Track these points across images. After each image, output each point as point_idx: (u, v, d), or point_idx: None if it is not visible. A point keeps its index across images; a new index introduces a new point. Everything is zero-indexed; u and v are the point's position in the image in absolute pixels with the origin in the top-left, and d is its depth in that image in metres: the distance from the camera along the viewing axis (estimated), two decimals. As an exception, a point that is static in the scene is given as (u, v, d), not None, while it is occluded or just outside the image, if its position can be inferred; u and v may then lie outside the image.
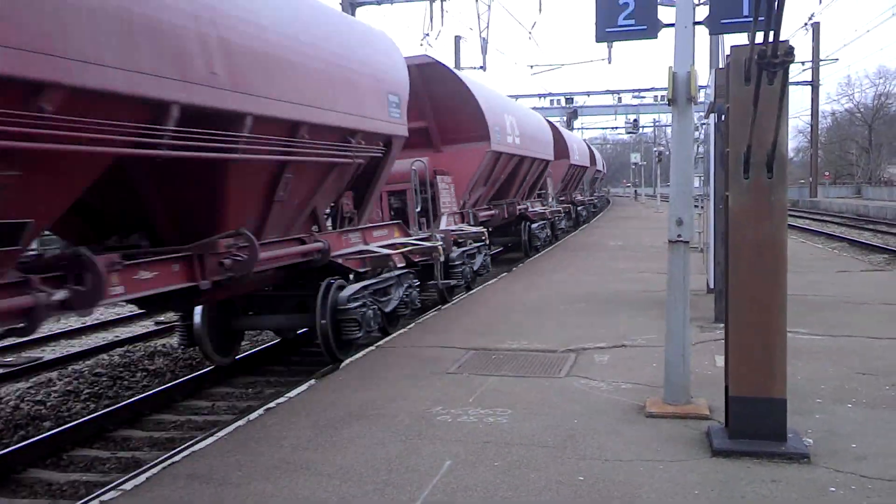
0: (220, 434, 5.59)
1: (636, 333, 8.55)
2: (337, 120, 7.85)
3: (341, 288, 8.38)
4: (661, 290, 9.87)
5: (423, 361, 7.57)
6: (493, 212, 17.00)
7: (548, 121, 25.14)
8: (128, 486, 4.63)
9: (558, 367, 7.17)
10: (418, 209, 12.22)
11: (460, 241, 12.89)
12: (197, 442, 5.55)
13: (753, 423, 4.80)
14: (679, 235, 5.60)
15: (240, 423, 5.85)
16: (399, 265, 9.57)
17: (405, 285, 9.88)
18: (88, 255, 5.17)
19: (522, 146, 17.19)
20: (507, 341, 8.38)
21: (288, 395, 6.59)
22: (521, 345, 8.19)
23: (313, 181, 7.92)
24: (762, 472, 4.46)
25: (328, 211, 9.14)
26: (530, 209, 19.91)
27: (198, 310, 8.32)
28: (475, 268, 13.64)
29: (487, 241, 14.34)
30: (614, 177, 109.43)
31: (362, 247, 9.19)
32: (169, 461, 5.04)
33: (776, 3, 3.87)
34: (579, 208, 33.33)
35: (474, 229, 13.66)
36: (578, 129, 59.74)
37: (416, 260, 10.49)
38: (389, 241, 10.02)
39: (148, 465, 5.23)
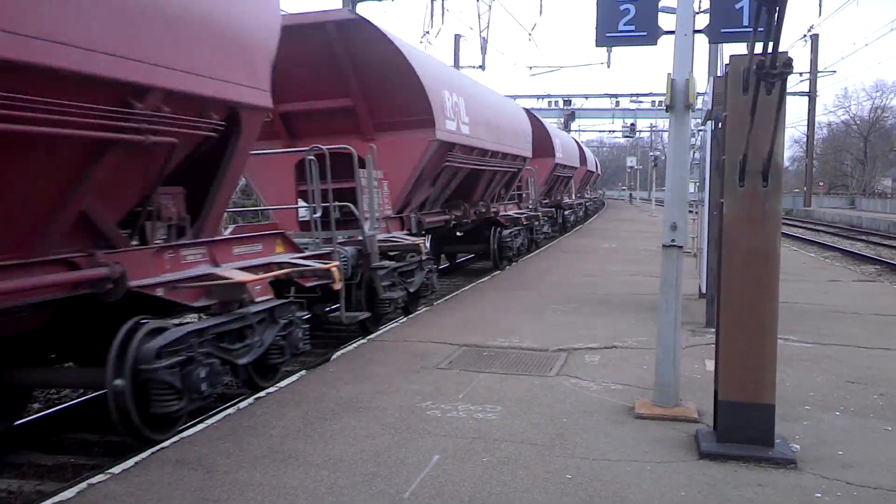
0: (210, 421, 5.61)
1: (627, 335, 8.60)
2: (98, 67, 4.63)
3: (158, 332, 5.37)
4: (652, 294, 9.92)
5: (414, 356, 7.59)
6: (447, 217, 13.82)
7: (529, 112, 21.70)
8: (116, 469, 4.65)
9: (549, 365, 7.21)
10: (314, 212, 8.64)
11: (392, 253, 10.26)
12: (186, 429, 5.57)
13: (742, 427, 4.84)
14: (673, 240, 5.64)
15: (229, 411, 5.87)
16: (259, 298, 6.48)
17: (281, 322, 6.80)
18: None
19: (485, 137, 14.00)
20: (499, 339, 8.41)
21: (278, 384, 6.62)
22: (511, 343, 8.22)
23: (60, 167, 4.77)
24: (749, 476, 4.50)
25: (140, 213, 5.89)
26: (501, 213, 17.13)
27: None
28: (412, 289, 10.38)
29: (429, 255, 11.22)
30: (610, 180, 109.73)
31: (205, 269, 6.15)
32: (158, 446, 5.06)
33: (776, 15, 3.90)
34: (566, 212, 30.69)
35: (410, 240, 10.55)
36: (576, 130, 59.77)
37: (308, 285, 7.60)
38: (262, 261, 6.96)
39: (137, 450, 5.24)
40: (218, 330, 5.93)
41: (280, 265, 7.09)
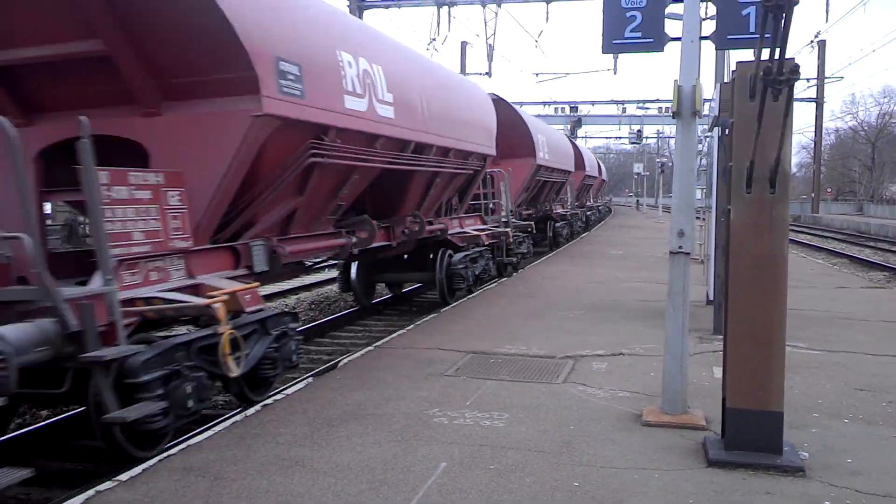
0: (217, 428, 5.61)
1: (635, 342, 8.57)
2: (464, 146, 12.06)
3: (451, 255, 12.59)
4: (660, 300, 9.90)
5: (421, 363, 7.59)
6: (530, 212, 21.82)
7: (568, 138, 31.81)
8: (124, 477, 4.65)
9: (556, 373, 7.20)
10: (491, 205, 15.94)
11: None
12: (193, 436, 5.58)
13: (750, 434, 4.82)
14: (680, 247, 5.63)
15: (236, 418, 5.87)
16: (485, 243, 13.89)
17: (486, 258, 14.12)
18: (370, 219, 9.31)
19: (553, 160, 22.19)
20: (506, 346, 8.40)
21: (285, 391, 6.62)
22: (519, 350, 8.21)
23: (447, 184, 12.17)
24: (757, 484, 4.48)
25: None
26: (555, 211, 25.36)
27: (353, 266, 12.62)
28: (523, 251, 17.96)
29: (533, 231, 18.79)
30: (617, 186, 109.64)
31: (459, 229, 13.37)
32: (165, 454, 5.06)
33: (783, 21, 3.89)
34: (589, 213, 39.68)
35: (522, 223, 18.62)
36: (582, 137, 59.74)
37: (488, 242, 14.34)
38: (476, 227, 14.29)
39: (145, 458, 5.24)
40: (471, 256, 13.25)
41: (484, 230, 14.14)
